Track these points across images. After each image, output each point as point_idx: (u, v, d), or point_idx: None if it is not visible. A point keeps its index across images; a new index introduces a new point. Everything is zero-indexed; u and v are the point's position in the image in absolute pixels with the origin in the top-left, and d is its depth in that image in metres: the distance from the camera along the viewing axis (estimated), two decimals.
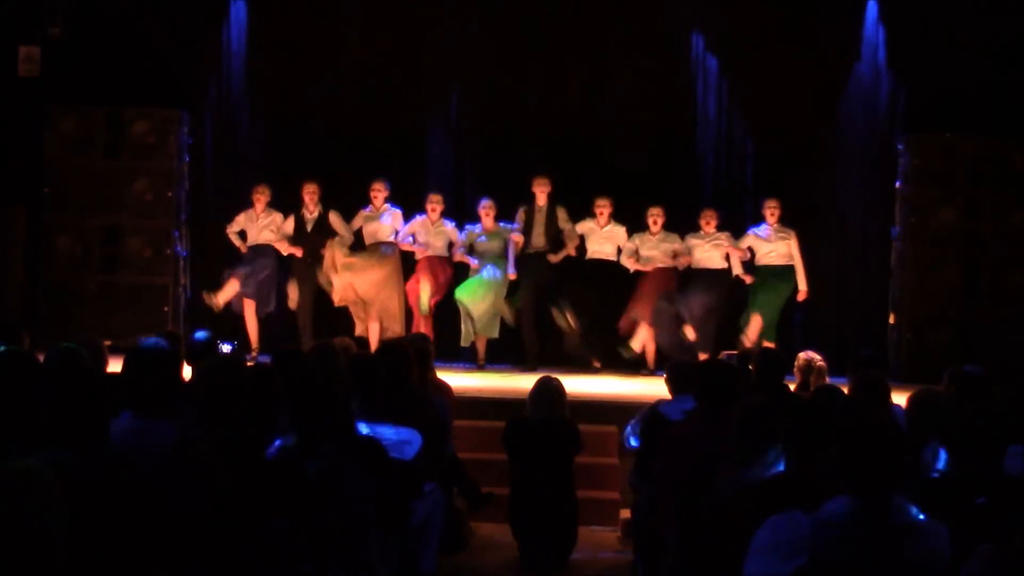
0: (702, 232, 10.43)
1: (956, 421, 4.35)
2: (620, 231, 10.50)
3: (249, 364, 5.30)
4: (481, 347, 10.49)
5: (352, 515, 4.13)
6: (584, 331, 10.41)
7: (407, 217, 10.47)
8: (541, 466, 6.57)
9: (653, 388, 8.65)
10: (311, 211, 10.39)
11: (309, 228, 10.38)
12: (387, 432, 5.13)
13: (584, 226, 10.52)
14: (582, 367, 10.35)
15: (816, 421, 4.14)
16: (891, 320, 10.90)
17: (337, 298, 10.26)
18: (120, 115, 10.90)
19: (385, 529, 4.64)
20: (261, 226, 10.44)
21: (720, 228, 10.44)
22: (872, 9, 11.21)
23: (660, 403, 6.40)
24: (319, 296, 10.51)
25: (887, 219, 11.07)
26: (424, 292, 10.18)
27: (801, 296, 10.39)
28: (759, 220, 10.59)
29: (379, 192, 10.37)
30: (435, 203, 10.38)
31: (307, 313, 10.43)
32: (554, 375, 7.07)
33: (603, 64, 11.37)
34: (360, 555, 4.19)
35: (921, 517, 3.32)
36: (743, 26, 11.28)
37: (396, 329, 10.13)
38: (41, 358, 4.55)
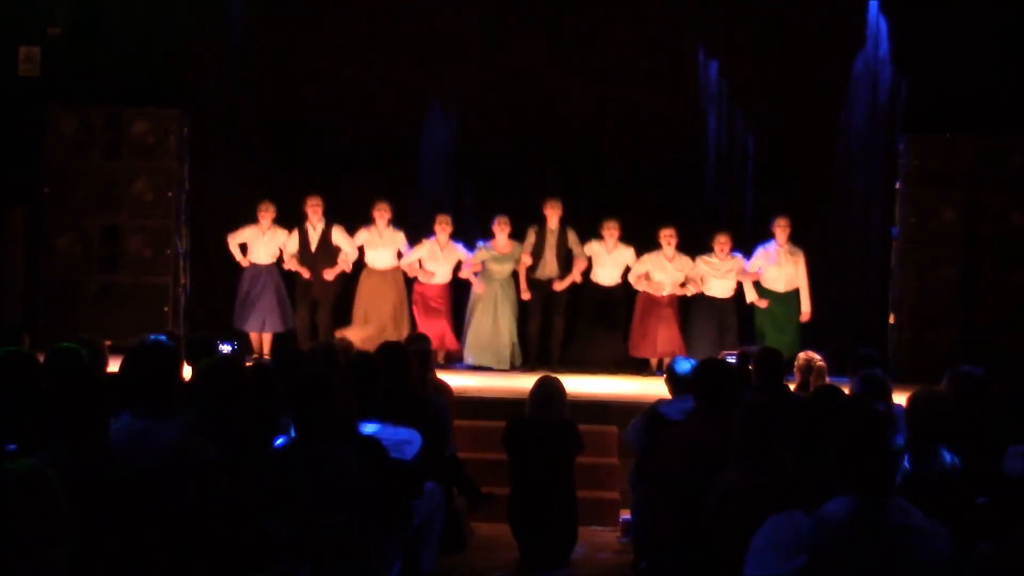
0: (716, 257, 10.36)
1: (956, 421, 4.36)
2: (628, 252, 10.42)
3: (249, 364, 5.28)
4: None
5: (352, 515, 4.13)
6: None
7: (411, 240, 10.43)
8: (541, 466, 6.56)
9: (653, 388, 8.65)
10: (315, 226, 10.39)
11: (314, 247, 10.38)
12: (387, 432, 5.13)
13: (591, 248, 10.43)
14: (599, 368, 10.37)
15: (816, 421, 4.15)
16: (891, 320, 10.90)
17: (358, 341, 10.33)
18: (120, 115, 10.90)
19: (385, 529, 4.64)
20: (266, 241, 10.44)
21: (732, 249, 10.41)
22: (873, 9, 11.22)
23: (660, 403, 6.40)
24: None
25: (887, 219, 11.07)
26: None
27: (804, 318, 10.41)
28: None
29: (384, 213, 10.31)
30: (443, 224, 10.27)
31: (306, 334, 10.44)
32: (554, 375, 7.08)
33: (603, 67, 11.34)
34: (360, 555, 4.19)
35: (921, 517, 3.32)
36: (744, 27, 11.27)
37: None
38: (41, 358, 4.55)
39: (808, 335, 10.30)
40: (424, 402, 6.04)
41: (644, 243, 10.45)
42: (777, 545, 3.31)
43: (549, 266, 10.41)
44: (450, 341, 10.35)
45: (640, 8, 11.26)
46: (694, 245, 10.48)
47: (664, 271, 10.34)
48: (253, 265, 10.47)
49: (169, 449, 3.71)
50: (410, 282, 10.48)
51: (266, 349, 10.43)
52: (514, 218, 10.42)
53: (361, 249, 10.44)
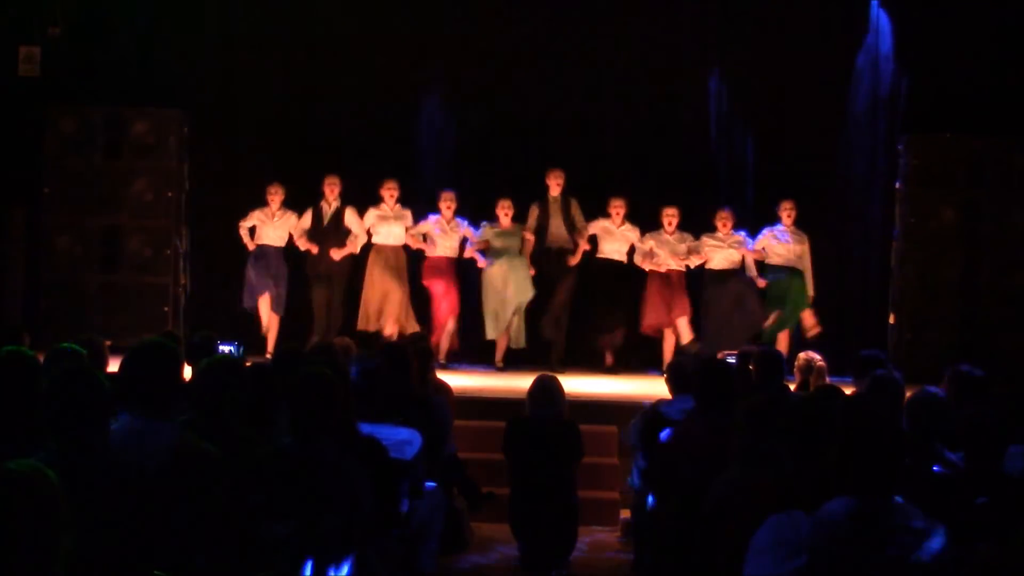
0: (719, 233, 10.42)
1: (956, 421, 4.36)
2: (634, 233, 10.50)
3: (248, 364, 5.29)
4: (501, 347, 10.49)
5: (352, 515, 4.13)
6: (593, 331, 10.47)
7: (416, 218, 10.49)
8: (541, 466, 6.56)
9: (653, 388, 8.65)
10: (330, 204, 10.42)
11: (325, 222, 10.41)
12: (387, 432, 5.14)
13: (598, 226, 10.51)
14: (591, 367, 10.36)
15: (816, 421, 4.15)
16: (891, 320, 10.90)
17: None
18: (120, 115, 10.90)
19: (385, 529, 4.64)
20: (276, 225, 10.46)
21: (734, 227, 10.45)
22: (875, 10, 11.21)
23: (660, 403, 6.41)
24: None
25: (887, 219, 11.07)
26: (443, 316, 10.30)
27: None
28: (760, 220, 10.59)
29: (392, 191, 10.40)
30: (448, 201, 10.37)
31: (323, 311, 10.44)
32: (556, 374, 7.09)
33: (605, 61, 11.34)
34: (360, 555, 4.19)
35: (921, 517, 3.32)
36: (744, 27, 11.28)
37: (413, 326, 10.16)
38: (41, 358, 4.55)
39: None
40: (424, 402, 6.05)
41: (646, 229, 10.53)
42: (777, 545, 3.31)
43: (556, 233, 10.48)
44: (452, 305, 10.35)
45: (645, 8, 11.28)
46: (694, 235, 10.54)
47: (665, 247, 10.39)
48: (260, 246, 10.47)
49: (169, 449, 3.71)
50: (415, 269, 10.48)
51: (272, 335, 10.40)
52: (516, 204, 10.45)
53: (369, 234, 10.44)
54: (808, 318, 10.34)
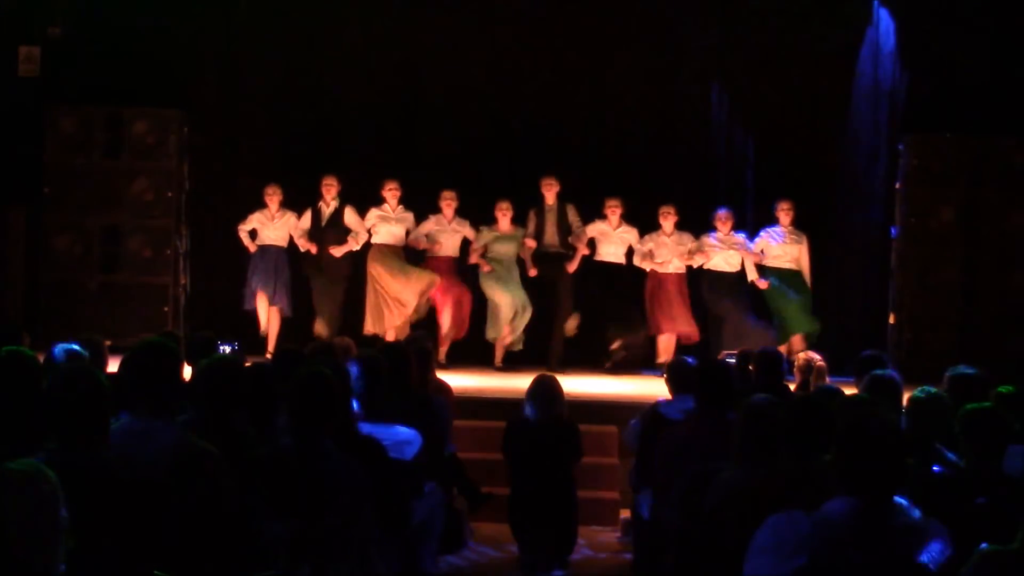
0: (719, 234, 10.42)
1: (956, 421, 4.36)
2: (632, 232, 10.49)
3: (248, 364, 5.29)
4: (500, 348, 10.48)
5: (352, 515, 4.13)
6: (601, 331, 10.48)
7: (418, 220, 10.49)
8: (541, 466, 6.56)
9: (653, 388, 8.65)
10: (328, 204, 10.41)
11: (324, 222, 10.40)
12: (387, 432, 5.14)
13: (595, 228, 10.49)
14: (590, 368, 10.37)
15: (816, 421, 4.15)
16: (891, 320, 10.89)
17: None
18: (120, 115, 10.89)
19: (385, 529, 4.64)
20: (276, 226, 10.45)
21: (734, 228, 10.45)
22: (876, 10, 11.21)
23: (660, 403, 6.40)
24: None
25: (887, 219, 11.06)
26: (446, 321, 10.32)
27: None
28: (760, 220, 10.59)
29: (394, 191, 10.38)
30: (449, 200, 10.38)
31: (324, 306, 10.43)
32: (556, 375, 7.09)
33: (605, 60, 11.34)
34: (360, 555, 4.19)
35: (921, 517, 3.32)
36: (745, 28, 11.27)
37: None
38: (41, 358, 4.55)
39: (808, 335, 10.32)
40: (424, 402, 6.05)
41: (643, 230, 10.53)
42: (777, 545, 3.31)
43: (550, 240, 10.48)
44: (454, 303, 10.36)
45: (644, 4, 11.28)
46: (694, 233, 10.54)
47: (665, 247, 10.39)
48: (263, 246, 10.47)
49: (169, 449, 3.71)
50: (418, 262, 10.49)
51: (273, 333, 10.40)
52: (515, 205, 10.45)
53: (369, 233, 10.44)
54: (797, 343, 10.27)
